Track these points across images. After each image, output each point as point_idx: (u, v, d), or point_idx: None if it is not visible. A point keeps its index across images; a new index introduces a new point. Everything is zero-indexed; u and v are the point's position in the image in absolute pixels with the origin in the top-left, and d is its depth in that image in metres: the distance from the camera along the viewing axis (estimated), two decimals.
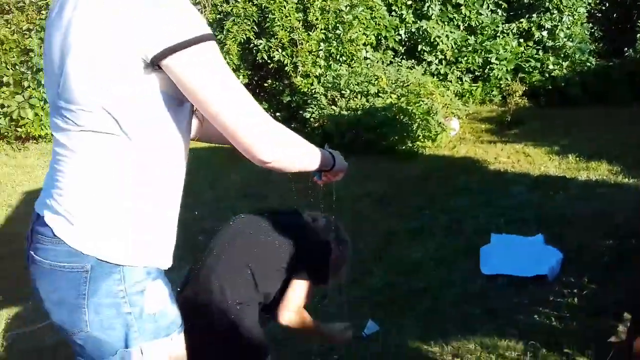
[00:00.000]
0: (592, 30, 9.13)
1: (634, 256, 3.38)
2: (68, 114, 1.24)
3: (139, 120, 1.24)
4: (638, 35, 8.52)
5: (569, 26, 8.78)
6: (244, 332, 1.98)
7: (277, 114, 8.41)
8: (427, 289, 3.47)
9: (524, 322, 2.96)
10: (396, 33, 8.78)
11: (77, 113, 1.23)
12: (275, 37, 8.04)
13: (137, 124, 1.24)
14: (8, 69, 8.31)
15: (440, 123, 6.61)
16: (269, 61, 8.22)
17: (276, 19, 7.97)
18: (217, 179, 6.11)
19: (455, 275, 3.59)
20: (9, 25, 8.61)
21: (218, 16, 9.05)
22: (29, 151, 8.31)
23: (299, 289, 2.14)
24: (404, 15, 8.77)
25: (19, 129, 8.19)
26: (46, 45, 1.32)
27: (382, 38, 8.67)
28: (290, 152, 1.35)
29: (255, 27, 8.32)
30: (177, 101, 1.28)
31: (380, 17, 8.54)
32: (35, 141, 8.53)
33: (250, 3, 8.34)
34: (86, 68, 1.20)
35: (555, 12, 8.78)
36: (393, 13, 8.86)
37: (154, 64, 1.18)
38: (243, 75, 8.45)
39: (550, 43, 8.80)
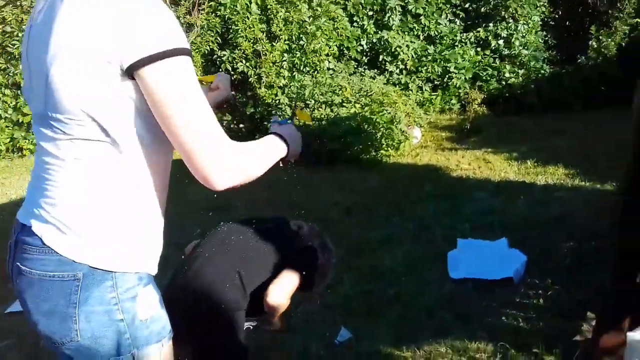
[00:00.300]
0: (546, 38, 9.41)
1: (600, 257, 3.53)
2: (56, 123, 1.24)
3: (124, 126, 1.24)
4: (590, 42, 8.80)
5: (524, 34, 9.04)
6: (230, 337, 2.00)
7: (241, 125, 8.41)
8: (397, 295, 3.53)
9: (492, 324, 3.05)
10: (358, 43, 8.89)
11: (65, 122, 1.22)
12: (239, 48, 8.06)
13: (123, 130, 1.24)
14: None
15: (403, 131, 6.73)
16: (232, 72, 8.23)
17: (239, 30, 7.99)
18: (178, 192, 6.02)
19: (424, 281, 3.66)
20: None
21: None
22: None
23: (292, 277, 2.14)
24: (365, 26, 8.90)
25: None
26: (32, 53, 1.30)
27: (345, 48, 8.78)
28: (242, 173, 1.30)
29: (219, 39, 8.33)
30: None
31: (342, 28, 8.65)
32: None
33: (214, 15, 8.35)
34: (69, 74, 1.19)
35: (511, 20, 9.02)
36: (354, 24, 8.98)
37: (129, 74, 1.18)
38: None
39: (506, 52, 9.05)
